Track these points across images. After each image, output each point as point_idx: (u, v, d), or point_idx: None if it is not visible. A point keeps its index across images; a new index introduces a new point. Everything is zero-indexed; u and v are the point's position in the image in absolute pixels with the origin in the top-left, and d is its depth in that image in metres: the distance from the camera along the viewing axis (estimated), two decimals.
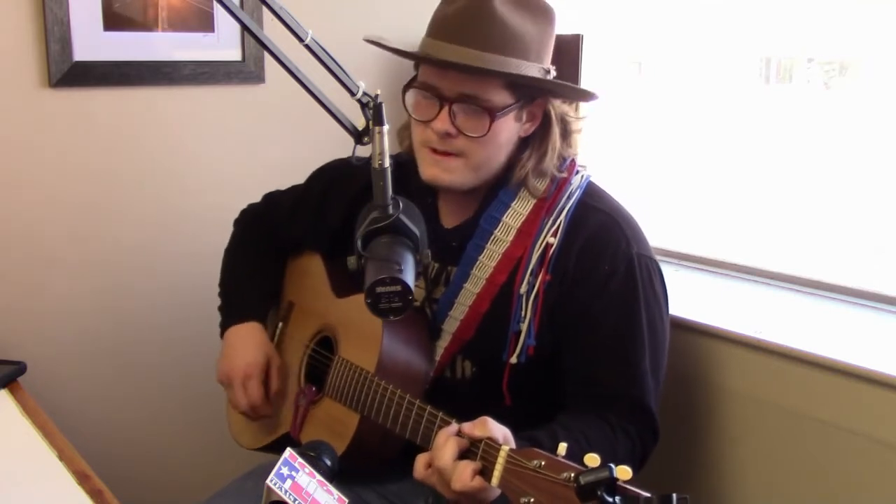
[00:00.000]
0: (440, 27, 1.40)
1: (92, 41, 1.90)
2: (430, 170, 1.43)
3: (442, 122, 1.38)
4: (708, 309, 1.78)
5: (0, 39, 1.82)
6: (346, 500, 1.06)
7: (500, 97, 1.39)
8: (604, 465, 0.98)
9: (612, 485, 0.98)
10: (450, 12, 1.39)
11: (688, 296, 1.85)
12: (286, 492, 1.03)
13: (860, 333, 1.66)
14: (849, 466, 1.53)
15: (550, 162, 1.46)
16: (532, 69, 1.40)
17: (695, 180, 2.42)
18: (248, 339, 1.63)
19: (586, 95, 1.49)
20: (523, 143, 1.46)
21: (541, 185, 1.46)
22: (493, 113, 1.38)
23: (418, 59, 1.43)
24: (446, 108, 1.38)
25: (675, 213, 2.32)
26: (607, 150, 2.24)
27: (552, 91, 1.45)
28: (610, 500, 0.97)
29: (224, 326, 1.69)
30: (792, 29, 2.08)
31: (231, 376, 1.60)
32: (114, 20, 1.91)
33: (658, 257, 1.50)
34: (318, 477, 1.06)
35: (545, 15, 1.42)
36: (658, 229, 2.10)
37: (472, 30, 1.36)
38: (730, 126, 2.35)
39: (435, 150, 1.41)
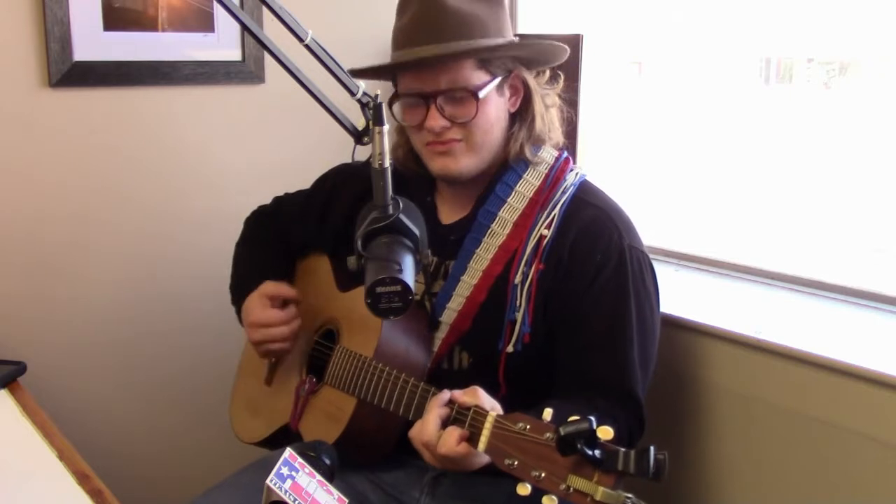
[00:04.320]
0: (400, 38, 1.46)
1: (92, 41, 1.90)
2: (438, 162, 1.48)
3: (433, 119, 1.43)
4: (708, 309, 1.78)
5: (0, 39, 1.83)
6: (346, 500, 1.06)
7: (477, 77, 1.44)
8: (584, 417, 0.99)
9: (592, 437, 0.98)
10: (405, 22, 1.44)
11: (688, 296, 1.85)
12: (286, 492, 1.03)
13: (860, 333, 1.66)
14: (848, 466, 1.53)
15: (542, 127, 1.51)
16: (499, 41, 1.45)
17: (695, 180, 2.42)
18: (250, 302, 1.62)
19: (554, 51, 1.52)
20: (512, 119, 1.51)
21: (542, 158, 1.51)
22: (475, 93, 1.43)
23: (386, 69, 1.48)
24: (433, 105, 1.43)
25: (675, 212, 2.32)
26: (607, 150, 2.24)
27: (519, 56, 1.49)
28: (590, 453, 0.98)
29: (239, 314, 1.69)
30: (792, 29, 2.08)
31: (252, 334, 1.59)
32: (114, 20, 1.91)
33: (658, 257, 1.51)
34: (318, 477, 1.06)
35: None
36: (658, 229, 2.10)
37: (428, 28, 1.41)
38: (730, 126, 2.35)
39: (436, 143, 1.46)
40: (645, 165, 2.43)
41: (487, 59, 1.44)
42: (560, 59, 1.54)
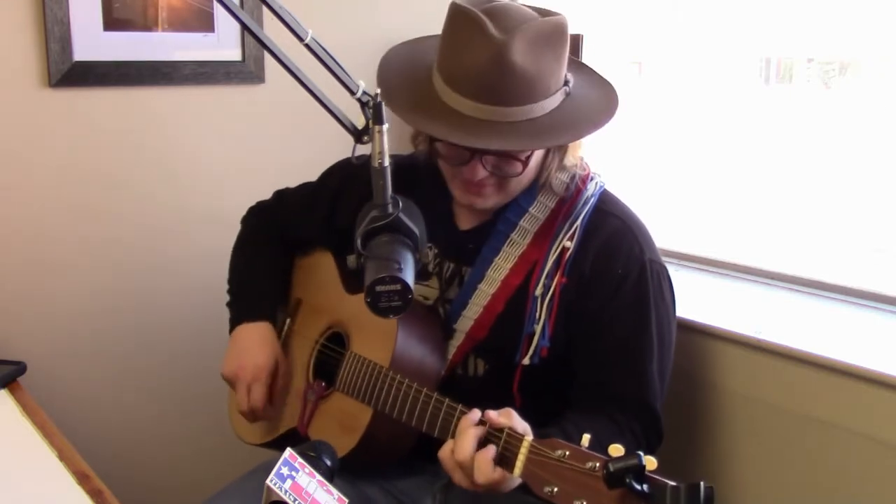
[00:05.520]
0: (459, 80, 1.36)
1: (92, 41, 1.90)
2: (466, 198, 1.46)
3: (474, 172, 1.40)
4: (708, 309, 1.78)
5: (0, 39, 1.83)
6: (346, 500, 1.06)
7: None
8: (632, 453, 0.99)
9: (640, 472, 0.98)
10: (469, 66, 1.34)
11: (688, 296, 1.84)
12: (286, 492, 1.03)
13: (860, 333, 1.66)
14: (849, 466, 1.53)
15: (573, 160, 1.47)
16: (556, 98, 1.39)
17: (695, 180, 2.42)
18: (259, 340, 1.63)
19: (609, 114, 1.45)
20: (547, 150, 1.47)
21: (562, 180, 1.47)
22: (525, 158, 1.40)
23: (449, 141, 1.38)
24: (477, 159, 1.39)
25: (676, 212, 2.32)
26: (607, 151, 2.24)
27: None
28: (638, 487, 0.98)
29: (234, 323, 1.68)
30: (792, 29, 2.08)
31: (238, 377, 1.59)
32: (114, 20, 1.91)
33: None
34: (318, 477, 1.06)
35: (560, 33, 1.38)
36: (659, 229, 2.10)
37: (494, 88, 1.33)
38: (730, 126, 2.35)
39: (470, 183, 1.43)
40: (645, 165, 2.42)
41: None
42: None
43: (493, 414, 1.19)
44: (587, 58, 2.07)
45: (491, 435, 1.18)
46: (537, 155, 1.43)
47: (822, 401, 1.55)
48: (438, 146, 1.44)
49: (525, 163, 1.40)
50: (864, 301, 1.78)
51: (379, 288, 1.06)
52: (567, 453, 1.07)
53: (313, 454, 1.16)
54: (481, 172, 1.39)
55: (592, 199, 1.48)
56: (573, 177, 1.49)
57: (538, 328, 1.42)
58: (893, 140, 1.94)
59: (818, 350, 1.55)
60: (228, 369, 1.62)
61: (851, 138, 2.11)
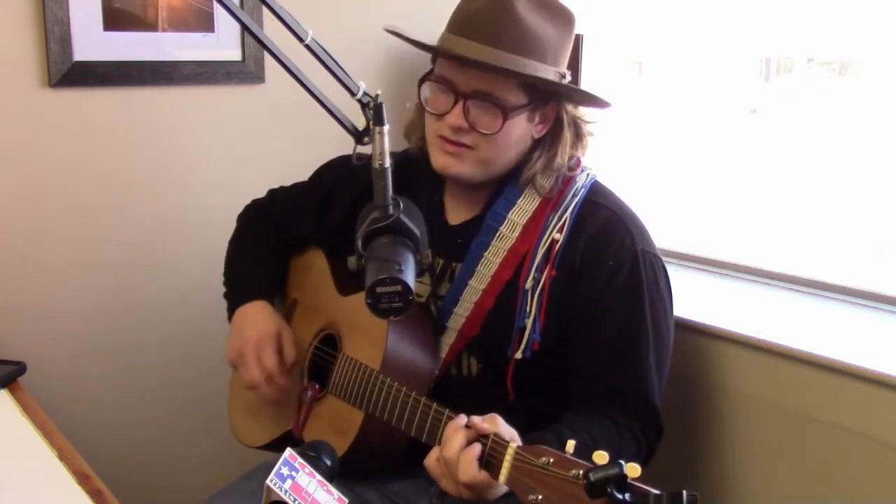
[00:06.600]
0: (460, 23, 1.42)
1: (92, 41, 1.89)
2: (441, 159, 1.45)
3: (455, 117, 1.40)
4: (708, 309, 1.78)
5: (0, 39, 1.83)
6: (346, 500, 1.06)
7: (515, 97, 1.40)
8: (614, 461, 0.99)
9: (622, 481, 0.98)
10: (472, 9, 1.41)
11: (688, 296, 1.84)
12: (286, 492, 1.03)
13: (860, 333, 1.66)
14: (849, 466, 1.53)
15: (560, 163, 1.47)
16: (548, 72, 1.41)
17: (695, 180, 2.43)
18: (258, 315, 1.61)
19: (598, 102, 1.48)
20: (534, 144, 1.47)
21: (547, 184, 1.47)
22: (506, 111, 1.39)
23: (436, 51, 1.44)
24: (461, 104, 1.39)
25: (676, 213, 2.32)
26: (607, 151, 2.24)
27: (565, 95, 1.46)
28: (620, 497, 0.98)
29: (231, 310, 1.67)
30: (792, 29, 2.08)
31: (243, 350, 1.56)
32: (114, 20, 1.91)
33: None
34: (318, 477, 1.06)
35: (566, 19, 1.43)
36: (658, 229, 2.10)
37: (491, 28, 1.37)
38: (729, 126, 2.35)
39: (447, 140, 1.43)
40: (645, 165, 2.42)
41: (532, 84, 1.40)
42: (602, 108, 1.50)
43: (477, 420, 1.19)
44: (587, 58, 2.07)
45: (477, 439, 1.18)
46: (519, 127, 1.43)
47: (822, 401, 1.55)
48: (425, 89, 1.45)
49: (505, 117, 1.39)
50: (864, 301, 1.78)
51: (380, 289, 1.06)
52: (551, 460, 1.06)
53: (313, 454, 1.16)
54: (461, 119, 1.39)
55: (582, 191, 1.47)
56: (557, 178, 1.48)
57: (529, 322, 1.42)
58: (893, 140, 1.93)
59: (818, 350, 1.55)
60: (232, 349, 1.58)
61: (851, 138, 2.11)
